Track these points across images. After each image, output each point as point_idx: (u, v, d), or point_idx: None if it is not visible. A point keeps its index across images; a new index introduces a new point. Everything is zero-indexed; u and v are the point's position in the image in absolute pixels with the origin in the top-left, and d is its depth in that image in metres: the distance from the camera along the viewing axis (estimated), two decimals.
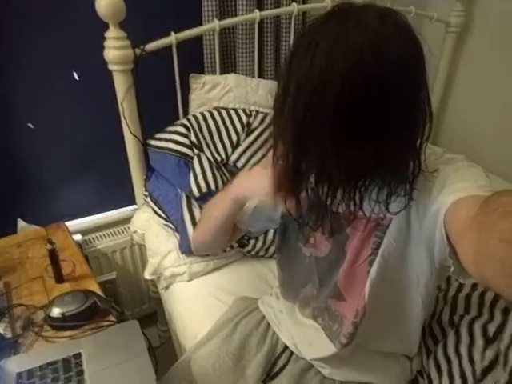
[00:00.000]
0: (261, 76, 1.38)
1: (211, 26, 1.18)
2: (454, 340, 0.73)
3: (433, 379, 0.73)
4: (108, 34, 1.01)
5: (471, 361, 0.68)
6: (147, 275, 1.17)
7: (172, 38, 1.12)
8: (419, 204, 0.57)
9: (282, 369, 0.80)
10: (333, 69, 0.46)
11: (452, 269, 0.51)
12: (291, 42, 1.34)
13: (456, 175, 0.53)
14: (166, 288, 1.13)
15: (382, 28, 0.46)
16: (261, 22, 1.27)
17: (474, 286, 0.82)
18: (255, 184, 0.67)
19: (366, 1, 0.52)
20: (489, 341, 0.68)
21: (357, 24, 0.47)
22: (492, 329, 0.70)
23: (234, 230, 0.81)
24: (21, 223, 1.14)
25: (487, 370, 0.64)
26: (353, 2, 0.50)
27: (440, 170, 0.56)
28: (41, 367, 0.67)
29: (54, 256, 0.84)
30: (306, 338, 0.78)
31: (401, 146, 0.51)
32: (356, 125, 0.48)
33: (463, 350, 0.70)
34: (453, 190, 0.50)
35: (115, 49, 1.02)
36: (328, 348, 0.73)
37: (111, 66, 1.06)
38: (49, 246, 0.82)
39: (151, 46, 1.09)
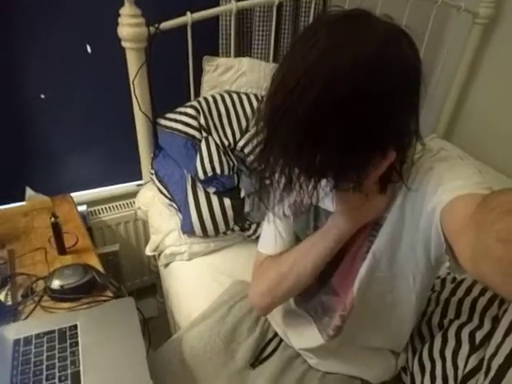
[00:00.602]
0: (276, 61, 1.35)
1: (228, 7, 1.15)
2: (440, 342, 0.74)
3: (415, 378, 0.75)
4: (123, 11, 1.00)
5: (455, 365, 0.69)
6: (148, 251, 1.20)
7: (188, 18, 1.10)
8: (415, 203, 0.57)
9: (270, 355, 0.82)
10: (320, 69, 0.45)
11: (448, 264, 0.52)
12: None
13: (451, 173, 0.53)
14: (166, 265, 1.16)
15: (385, 49, 0.45)
16: (279, 6, 1.23)
17: (468, 291, 0.82)
18: (370, 212, 0.63)
19: (382, 13, 0.50)
20: (474, 347, 0.69)
21: (361, 35, 0.45)
22: (479, 336, 0.70)
23: None
24: (29, 191, 1.17)
25: (469, 376, 0.65)
26: (370, 11, 0.49)
27: (435, 168, 0.55)
28: (37, 335, 0.69)
29: (57, 229, 0.86)
30: (297, 328, 0.80)
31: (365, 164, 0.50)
32: (324, 128, 0.47)
33: (448, 353, 0.71)
34: (448, 189, 0.50)
35: (129, 26, 1.01)
36: (316, 339, 0.74)
37: (124, 44, 1.06)
38: (53, 220, 0.84)
39: (166, 25, 1.08)
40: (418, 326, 0.83)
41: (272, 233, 0.73)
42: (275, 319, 0.85)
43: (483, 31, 1.48)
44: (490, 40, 1.50)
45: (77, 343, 0.69)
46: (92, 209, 1.37)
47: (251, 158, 1.13)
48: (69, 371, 0.65)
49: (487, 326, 0.71)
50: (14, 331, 0.70)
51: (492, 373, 0.60)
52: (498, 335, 0.65)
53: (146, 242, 1.24)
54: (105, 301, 0.79)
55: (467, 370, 0.66)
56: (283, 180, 0.54)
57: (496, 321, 0.70)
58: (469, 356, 0.68)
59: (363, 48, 0.45)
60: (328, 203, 0.66)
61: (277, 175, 0.54)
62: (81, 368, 0.65)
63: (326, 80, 0.44)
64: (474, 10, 1.44)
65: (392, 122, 0.48)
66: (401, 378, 0.81)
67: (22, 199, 1.17)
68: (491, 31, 1.49)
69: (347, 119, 0.45)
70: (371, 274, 0.64)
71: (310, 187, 0.53)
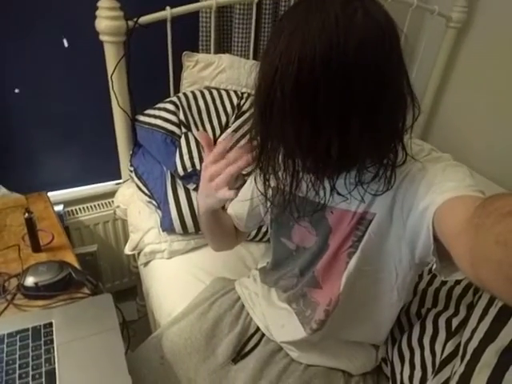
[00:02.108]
0: (256, 58, 1.36)
1: (208, 3, 1.15)
2: (418, 331, 0.76)
3: (395, 367, 0.76)
4: (101, 3, 0.98)
5: (432, 352, 0.70)
6: (128, 250, 1.18)
7: (167, 13, 1.10)
8: (404, 201, 0.57)
9: (252, 349, 0.82)
10: (292, 52, 0.46)
11: (434, 266, 0.52)
12: None
13: (443, 174, 0.53)
14: (146, 264, 1.14)
15: (344, 12, 0.46)
16: (259, 3, 1.24)
17: (444, 281, 0.84)
18: (201, 197, 0.69)
19: None
20: (451, 334, 0.70)
21: (320, 8, 0.46)
22: (455, 322, 0.72)
23: (238, 232, 0.87)
24: (1, 189, 1.13)
25: (446, 362, 0.66)
26: None
27: (427, 169, 0.55)
28: (10, 334, 0.67)
29: (31, 225, 0.83)
30: (279, 320, 0.80)
31: (368, 134, 0.50)
32: (314, 110, 0.47)
33: (426, 341, 0.73)
34: (442, 190, 0.50)
35: (107, 19, 1.00)
36: (298, 332, 0.75)
37: (102, 37, 1.04)
38: (26, 215, 0.81)
39: (145, 19, 1.07)
40: (397, 317, 0.84)
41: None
42: (257, 314, 0.85)
43: (457, 34, 1.53)
44: (463, 43, 1.55)
45: (52, 341, 0.66)
46: (69, 208, 1.34)
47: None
48: (43, 369, 0.62)
49: (463, 312, 0.73)
50: None
51: (468, 357, 0.61)
52: (473, 321, 0.66)
53: (126, 242, 1.22)
54: (82, 298, 0.76)
55: (444, 355, 0.67)
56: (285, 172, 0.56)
57: (471, 307, 0.72)
58: (446, 342, 0.69)
59: (324, 19, 0.45)
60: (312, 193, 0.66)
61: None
62: (56, 366, 0.63)
63: (300, 54, 0.45)
64: (448, 14, 1.49)
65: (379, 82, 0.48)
66: (381, 369, 0.82)
67: None
68: (464, 35, 1.54)
69: (332, 87, 0.46)
70: (359, 269, 0.65)
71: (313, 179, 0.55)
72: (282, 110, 0.49)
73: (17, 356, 0.64)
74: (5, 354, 0.64)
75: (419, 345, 0.73)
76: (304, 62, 0.45)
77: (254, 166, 0.59)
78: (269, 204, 0.69)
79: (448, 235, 0.46)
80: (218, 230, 0.81)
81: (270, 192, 0.63)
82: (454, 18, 1.48)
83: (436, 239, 0.50)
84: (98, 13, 1.00)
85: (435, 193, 0.50)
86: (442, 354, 0.68)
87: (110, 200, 1.39)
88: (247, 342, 0.83)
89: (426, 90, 1.64)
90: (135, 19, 1.04)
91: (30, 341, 0.66)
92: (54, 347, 0.65)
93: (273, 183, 0.61)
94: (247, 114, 1.18)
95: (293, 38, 0.46)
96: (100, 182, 1.42)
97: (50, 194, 1.16)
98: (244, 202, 0.79)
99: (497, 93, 1.45)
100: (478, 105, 1.53)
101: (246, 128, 1.15)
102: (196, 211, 1.08)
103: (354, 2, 0.47)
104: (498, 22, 1.41)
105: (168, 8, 1.09)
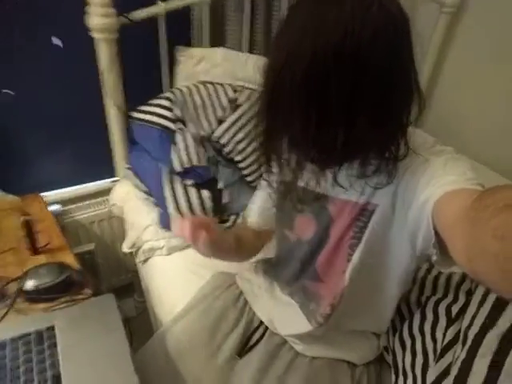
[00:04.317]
0: (250, 51, 1.34)
1: None
2: (419, 319, 0.77)
3: (397, 355, 0.77)
4: (91, 0, 0.96)
5: (433, 339, 0.71)
6: (125, 248, 1.17)
7: (159, 8, 1.08)
8: (406, 193, 0.57)
9: (256, 343, 0.82)
10: (305, 43, 0.46)
11: (434, 258, 0.53)
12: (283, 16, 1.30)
13: (445, 168, 0.53)
14: (144, 261, 1.13)
15: (361, 4, 0.46)
16: None
17: None
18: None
19: None
20: (451, 320, 0.71)
21: (335, 0, 0.46)
22: (455, 309, 0.73)
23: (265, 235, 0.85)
24: None
25: (447, 348, 0.68)
26: None
27: (430, 161, 0.56)
28: (12, 340, 0.66)
29: (28, 227, 0.82)
30: (283, 314, 0.80)
31: (374, 127, 0.50)
32: (324, 100, 0.47)
33: (427, 328, 0.74)
34: (442, 183, 0.50)
35: (98, 16, 0.98)
36: (304, 325, 0.75)
37: (94, 34, 1.02)
38: (23, 218, 0.80)
39: (137, 14, 1.05)
40: (398, 306, 0.85)
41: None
42: (260, 308, 0.85)
43: (450, 20, 1.52)
44: (457, 27, 1.54)
45: (55, 344, 0.66)
46: (65, 208, 1.33)
47: (228, 148, 1.12)
48: (48, 373, 0.62)
49: (462, 299, 0.74)
50: None
51: (469, 342, 0.62)
52: (473, 308, 0.67)
53: (122, 239, 1.21)
54: (83, 299, 0.76)
55: (445, 342, 0.68)
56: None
57: (470, 294, 0.73)
58: (446, 329, 0.70)
59: (338, 10, 0.45)
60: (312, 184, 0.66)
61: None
62: (61, 369, 0.63)
63: (314, 46, 0.45)
64: None
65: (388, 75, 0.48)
66: (383, 358, 0.83)
67: None
68: (458, 19, 1.53)
69: (343, 78, 0.46)
70: (363, 262, 0.65)
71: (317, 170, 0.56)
72: (290, 99, 0.49)
73: (20, 361, 0.63)
74: (8, 360, 0.63)
75: (420, 332, 0.75)
76: (317, 54, 0.45)
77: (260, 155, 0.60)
78: (271, 191, 0.69)
79: (445, 228, 0.47)
80: (244, 252, 0.84)
81: (273, 179, 0.64)
82: (447, 3, 1.47)
83: (436, 232, 0.50)
84: (89, 9, 0.98)
85: (435, 186, 0.51)
86: (443, 341, 0.69)
87: (105, 198, 1.38)
88: (251, 336, 0.83)
89: (420, 77, 1.64)
90: (127, 15, 1.02)
91: (33, 345, 0.66)
92: (57, 350, 0.65)
93: (275, 171, 0.61)
94: (244, 107, 1.17)
95: (306, 30, 0.46)
96: (95, 181, 1.40)
97: (44, 193, 1.15)
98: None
99: (493, 80, 1.45)
100: (472, 94, 1.53)
101: (243, 121, 1.14)
102: (195, 211, 1.08)
103: None
104: (492, 6, 1.40)
105: (160, 2, 1.07)
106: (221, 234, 0.77)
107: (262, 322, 0.85)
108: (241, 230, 0.88)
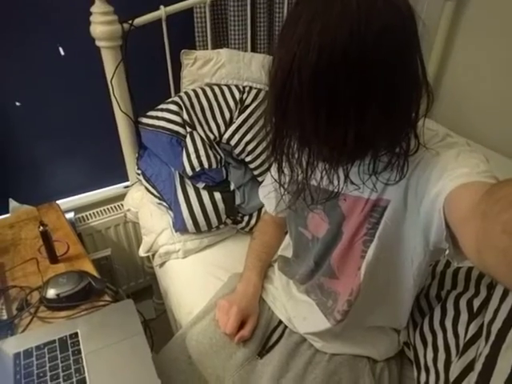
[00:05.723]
0: (254, 50, 1.34)
1: None
2: (439, 314, 0.76)
3: (418, 351, 0.76)
4: (94, 9, 0.97)
5: (455, 334, 0.70)
6: (142, 253, 1.18)
7: (161, 12, 1.08)
8: (418, 187, 0.57)
9: (276, 342, 0.82)
10: (311, 39, 0.45)
11: (447, 252, 0.52)
12: (285, 13, 1.30)
13: (457, 160, 0.52)
14: (161, 265, 1.15)
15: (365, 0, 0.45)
16: None
17: None
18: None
19: None
20: (473, 315, 0.70)
21: None
22: (477, 303, 0.72)
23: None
24: (12, 203, 1.14)
25: (470, 343, 0.67)
26: None
27: (441, 154, 0.55)
28: (38, 347, 0.68)
29: (46, 237, 0.84)
30: (301, 312, 0.80)
31: (384, 122, 0.49)
32: (333, 98, 0.47)
33: (448, 323, 0.73)
34: (454, 176, 0.49)
35: (102, 24, 0.99)
36: (322, 323, 0.75)
37: (99, 43, 1.03)
38: (41, 228, 0.82)
39: (140, 20, 1.06)
40: (417, 301, 0.84)
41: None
42: (278, 307, 0.85)
43: (455, 8, 1.49)
44: (463, 15, 1.52)
45: (79, 351, 0.68)
46: (80, 215, 1.35)
47: (238, 149, 1.12)
48: (74, 379, 0.64)
49: (483, 293, 0.73)
50: (13, 345, 0.68)
51: (492, 337, 0.61)
52: (495, 301, 0.66)
53: (138, 243, 1.23)
54: (104, 305, 0.77)
55: (468, 337, 0.67)
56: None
57: (491, 288, 0.72)
58: (468, 324, 0.69)
59: (344, 6, 0.45)
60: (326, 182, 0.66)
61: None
62: (86, 374, 0.64)
63: (320, 42, 0.45)
64: None
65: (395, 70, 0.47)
66: (404, 353, 0.82)
67: (7, 211, 1.14)
68: (463, 8, 1.50)
69: (351, 75, 0.46)
70: (378, 257, 0.65)
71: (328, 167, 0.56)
72: (299, 98, 0.48)
73: (47, 368, 0.65)
74: (35, 367, 0.65)
75: (441, 327, 0.74)
76: (324, 50, 0.45)
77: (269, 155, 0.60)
78: (283, 191, 0.69)
79: (456, 221, 0.46)
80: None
81: (284, 179, 0.63)
82: None
83: (448, 225, 0.49)
84: (92, 18, 0.99)
85: (447, 179, 0.50)
86: (465, 336, 0.68)
87: (119, 203, 1.40)
88: (271, 336, 0.84)
89: (427, 67, 1.61)
90: (130, 22, 1.03)
91: (58, 352, 0.67)
92: (82, 357, 0.67)
93: (286, 171, 0.61)
94: (251, 108, 1.17)
95: (312, 26, 0.45)
96: (108, 186, 1.42)
97: (59, 201, 1.17)
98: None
99: (501, 68, 1.42)
100: (481, 82, 1.50)
101: (251, 121, 1.14)
102: (209, 213, 1.09)
103: None
104: None
105: (162, 7, 1.08)
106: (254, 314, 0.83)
107: (280, 322, 0.85)
108: (261, 253, 0.92)
